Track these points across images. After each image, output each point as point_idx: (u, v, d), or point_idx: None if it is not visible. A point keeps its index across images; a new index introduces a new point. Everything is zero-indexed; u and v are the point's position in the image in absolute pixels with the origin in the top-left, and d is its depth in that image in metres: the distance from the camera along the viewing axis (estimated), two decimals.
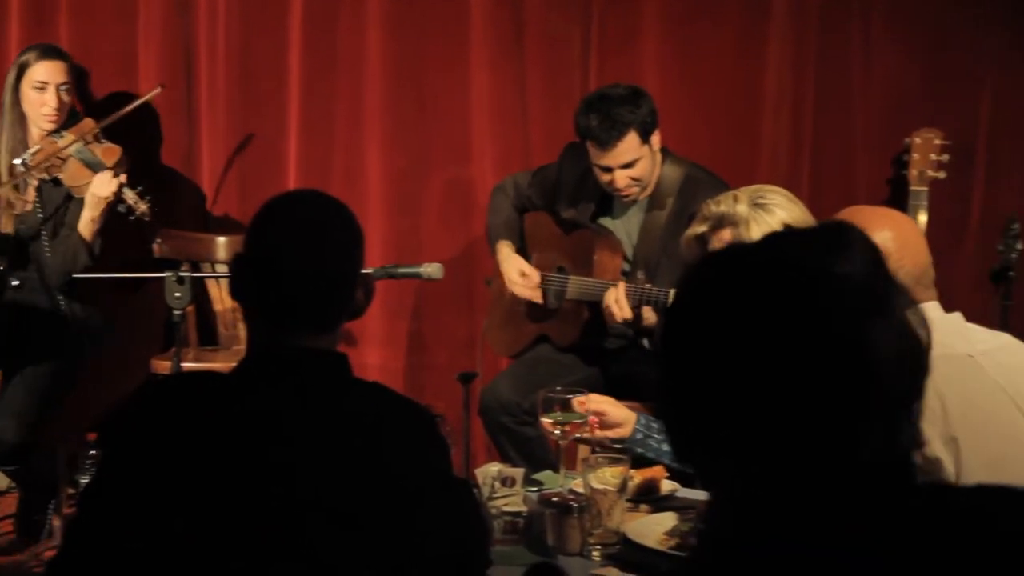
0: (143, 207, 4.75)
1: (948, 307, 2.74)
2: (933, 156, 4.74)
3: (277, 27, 5.29)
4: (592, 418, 3.27)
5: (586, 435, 3.29)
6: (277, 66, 5.31)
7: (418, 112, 5.26)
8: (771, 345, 1.37)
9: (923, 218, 4.64)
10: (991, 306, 4.56)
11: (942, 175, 4.73)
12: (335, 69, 5.28)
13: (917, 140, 4.77)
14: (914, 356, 1.46)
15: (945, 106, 4.98)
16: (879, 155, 5.01)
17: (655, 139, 4.35)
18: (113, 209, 4.76)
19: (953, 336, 2.65)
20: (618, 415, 3.29)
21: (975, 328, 2.71)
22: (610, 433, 3.28)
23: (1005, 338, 2.76)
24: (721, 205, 3.09)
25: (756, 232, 3.02)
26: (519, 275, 4.60)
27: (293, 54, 5.29)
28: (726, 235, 3.06)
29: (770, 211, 3.05)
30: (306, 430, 2.12)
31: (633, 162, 4.31)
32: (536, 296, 4.61)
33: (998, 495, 1.39)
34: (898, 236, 2.66)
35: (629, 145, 4.28)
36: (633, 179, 4.34)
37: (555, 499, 2.91)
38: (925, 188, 4.70)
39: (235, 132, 5.37)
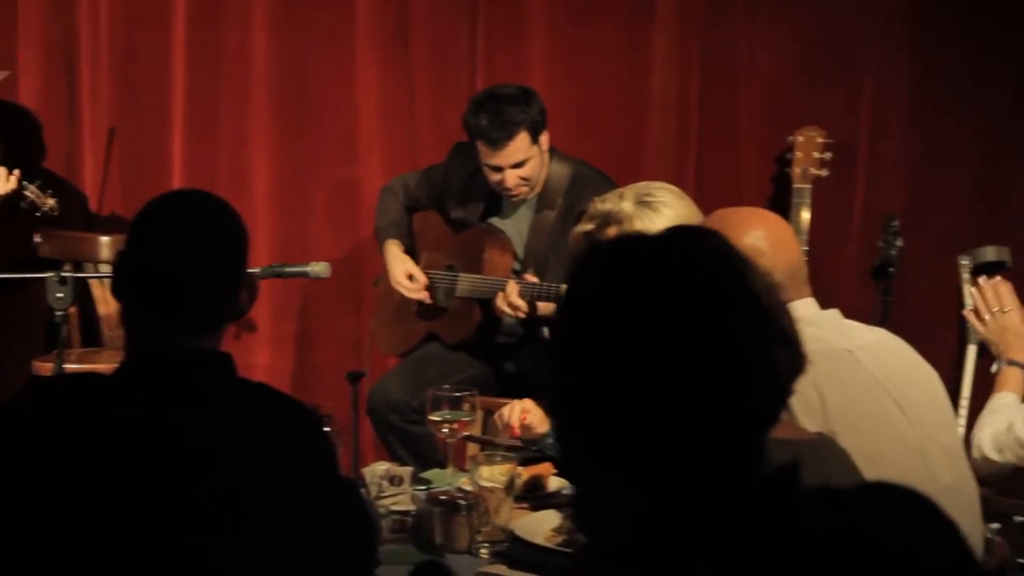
0: (50, 202, 4.70)
1: (831, 303, 2.78)
2: (816, 154, 4.80)
3: (160, 26, 5.23)
4: (517, 420, 3.26)
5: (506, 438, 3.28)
6: (160, 65, 5.25)
7: (304, 112, 5.23)
8: (663, 342, 1.37)
9: (806, 215, 4.70)
10: (872, 302, 4.64)
11: (824, 173, 4.80)
12: (220, 68, 5.24)
13: (800, 138, 4.84)
14: (797, 360, 1.48)
15: (827, 105, 5.05)
16: (764, 153, 5.07)
17: (544, 139, 4.37)
18: (15, 206, 4.69)
19: (831, 331, 2.69)
20: (539, 415, 3.29)
21: (852, 324, 2.76)
22: (528, 434, 3.28)
23: (882, 333, 2.81)
24: (607, 203, 3.11)
25: (640, 230, 3.05)
26: (406, 278, 4.59)
27: (176, 53, 5.23)
28: (611, 233, 3.08)
29: (656, 208, 3.08)
30: (189, 432, 2.11)
31: (523, 162, 4.32)
32: (424, 298, 4.60)
33: (880, 503, 1.40)
34: (771, 235, 2.70)
35: (519, 145, 4.30)
36: (522, 179, 4.35)
37: (443, 497, 2.92)
38: (808, 186, 4.77)
39: (118, 132, 5.30)
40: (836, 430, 2.53)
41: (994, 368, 3.61)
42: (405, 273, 4.59)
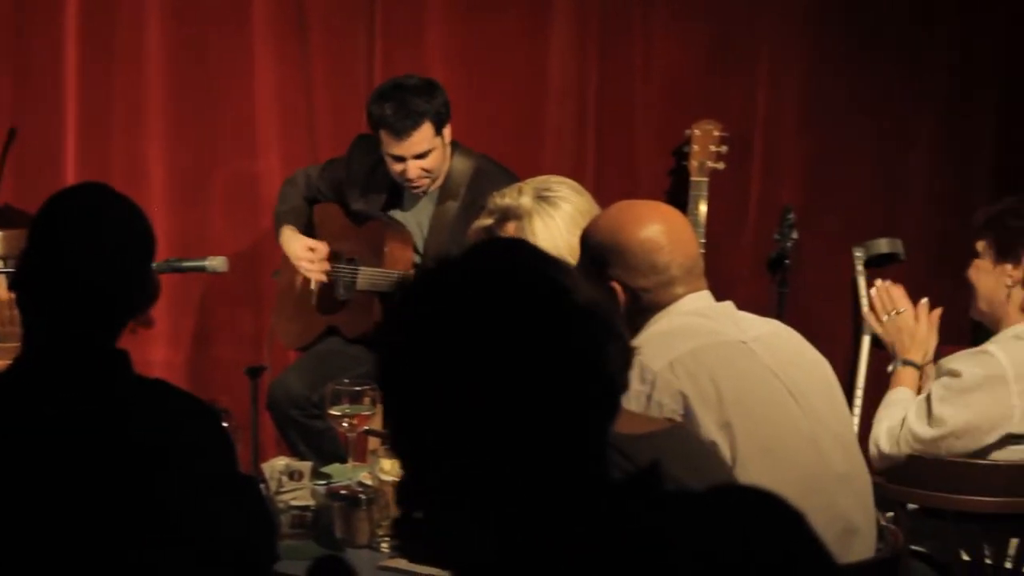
0: None
1: (728, 295, 2.82)
2: (712, 147, 4.84)
3: (52, 17, 5.15)
4: None
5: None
6: (53, 57, 5.17)
7: (201, 105, 5.18)
8: (490, 362, 1.36)
9: (703, 208, 4.74)
10: (768, 294, 4.69)
11: (721, 166, 4.84)
12: (113, 61, 5.16)
13: (696, 131, 4.87)
14: (626, 353, 1.48)
15: (724, 98, 5.10)
16: (661, 146, 5.11)
17: (447, 132, 4.37)
18: None
19: (726, 323, 2.72)
20: None
21: (746, 315, 2.79)
22: None
23: (775, 324, 2.85)
24: (506, 198, 3.13)
25: (539, 225, 3.07)
26: (307, 250, 4.54)
27: (69, 44, 5.15)
28: (510, 228, 3.11)
29: (555, 204, 3.10)
30: (85, 429, 2.09)
31: (426, 153, 4.32)
32: (322, 271, 4.53)
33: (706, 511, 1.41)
34: (669, 229, 2.73)
35: (423, 135, 4.29)
36: (425, 170, 4.35)
37: (343, 492, 2.91)
38: (705, 179, 4.81)
39: (7, 125, 5.21)
40: (731, 421, 2.57)
41: (890, 368, 3.69)
42: (305, 247, 4.54)
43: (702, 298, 2.73)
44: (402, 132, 4.28)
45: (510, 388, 1.36)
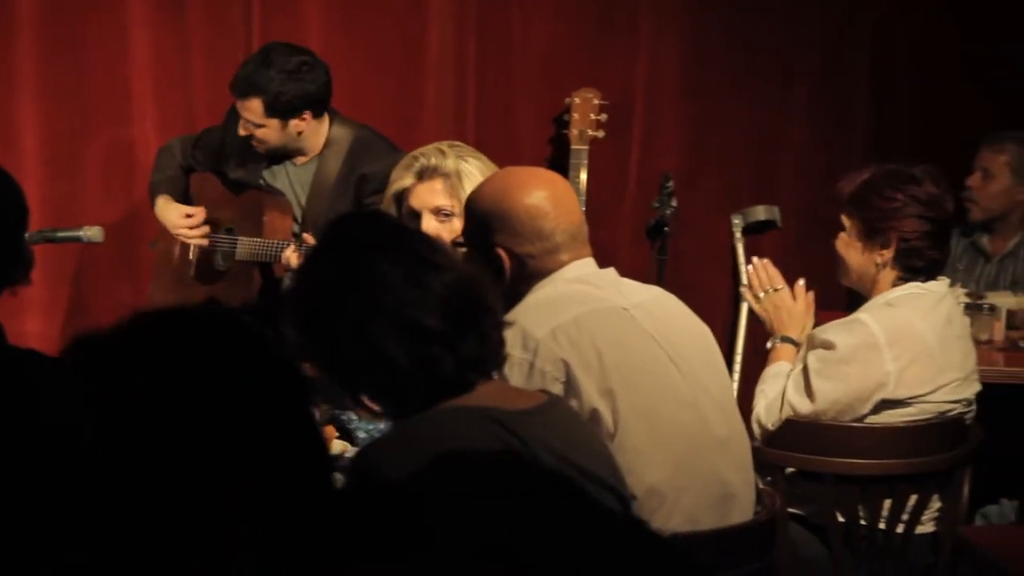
0: None
1: (609, 262, 2.83)
2: (592, 115, 4.86)
3: None
4: None
5: None
6: None
7: (75, 72, 5.08)
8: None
9: (584, 176, 4.76)
10: (648, 261, 4.73)
11: (601, 134, 4.87)
12: None
13: (576, 100, 4.89)
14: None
15: (603, 66, 5.12)
16: (541, 114, 5.11)
17: (295, 124, 4.28)
18: None
19: (609, 290, 2.74)
20: None
21: (628, 282, 2.81)
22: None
23: (656, 291, 2.87)
24: (431, 158, 3.21)
25: (468, 186, 3.11)
26: (183, 217, 4.48)
27: None
28: (437, 185, 3.18)
29: (471, 164, 3.23)
30: None
31: (258, 125, 4.28)
32: (202, 235, 4.48)
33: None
34: (554, 195, 2.74)
35: (252, 108, 4.24)
36: (257, 138, 4.32)
37: None
38: (585, 147, 4.83)
39: None
40: (613, 387, 2.58)
41: (769, 344, 3.73)
42: (181, 214, 4.48)
43: (586, 265, 2.75)
44: (234, 93, 4.29)
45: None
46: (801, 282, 3.76)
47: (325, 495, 1.37)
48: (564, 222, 2.72)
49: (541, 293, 2.70)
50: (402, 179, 3.28)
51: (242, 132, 4.32)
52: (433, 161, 3.20)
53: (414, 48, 5.10)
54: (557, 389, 2.57)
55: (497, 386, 2.26)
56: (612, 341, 2.62)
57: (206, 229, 4.48)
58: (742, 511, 2.74)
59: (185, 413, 1.33)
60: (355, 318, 2.06)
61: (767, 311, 3.75)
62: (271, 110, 4.24)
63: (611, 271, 2.78)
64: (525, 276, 2.71)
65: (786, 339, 3.68)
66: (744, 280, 3.92)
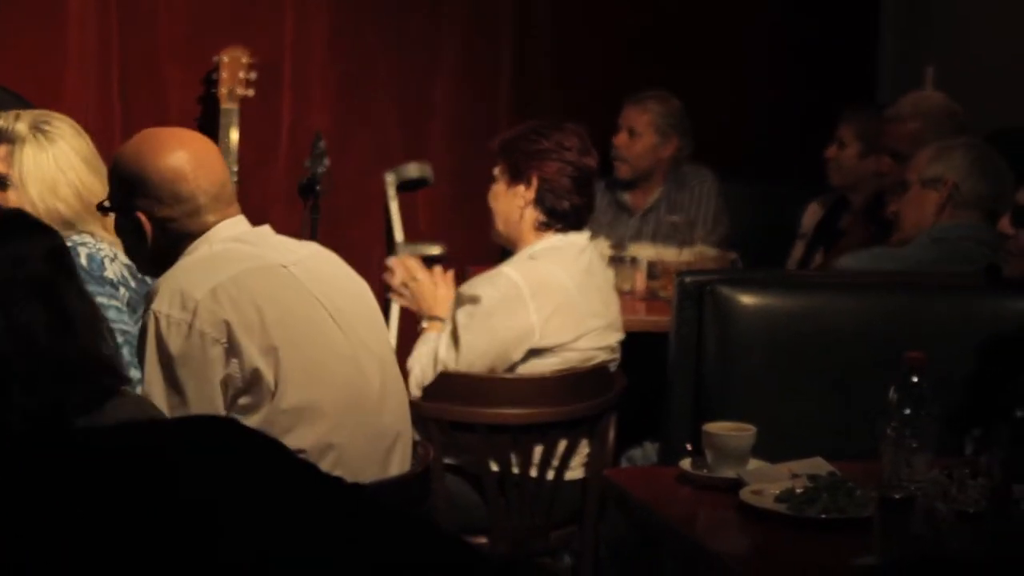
0: None
1: (262, 220, 2.82)
2: (241, 74, 4.82)
3: None
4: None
5: None
6: None
7: None
8: None
9: (235, 136, 4.72)
10: (301, 219, 4.73)
11: (251, 93, 4.83)
12: None
13: (225, 58, 4.83)
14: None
15: (252, 25, 5.07)
16: (189, 73, 5.02)
17: None
18: None
19: (265, 248, 2.74)
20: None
21: (285, 239, 2.82)
22: None
23: (313, 247, 2.89)
24: (1, 120, 3.11)
25: (28, 153, 3.07)
26: None
27: None
28: (1, 152, 3.08)
29: (51, 138, 3.13)
30: None
31: None
32: None
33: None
34: (193, 157, 2.71)
35: None
36: None
37: None
38: (235, 106, 4.78)
39: None
40: (276, 344, 2.60)
41: (422, 325, 3.82)
42: None
43: (238, 224, 2.73)
44: None
45: None
46: (438, 268, 3.87)
47: None
48: (205, 183, 2.69)
49: (197, 254, 2.68)
50: None
51: None
52: (1, 124, 3.12)
53: (52, 5, 4.89)
54: (217, 351, 2.57)
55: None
56: (272, 298, 2.62)
57: None
58: (401, 463, 2.80)
59: None
60: None
61: (415, 301, 3.85)
62: None
63: (266, 228, 2.78)
64: (171, 240, 2.69)
65: (434, 317, 3.78)
66: (399, 238, 3.99)
